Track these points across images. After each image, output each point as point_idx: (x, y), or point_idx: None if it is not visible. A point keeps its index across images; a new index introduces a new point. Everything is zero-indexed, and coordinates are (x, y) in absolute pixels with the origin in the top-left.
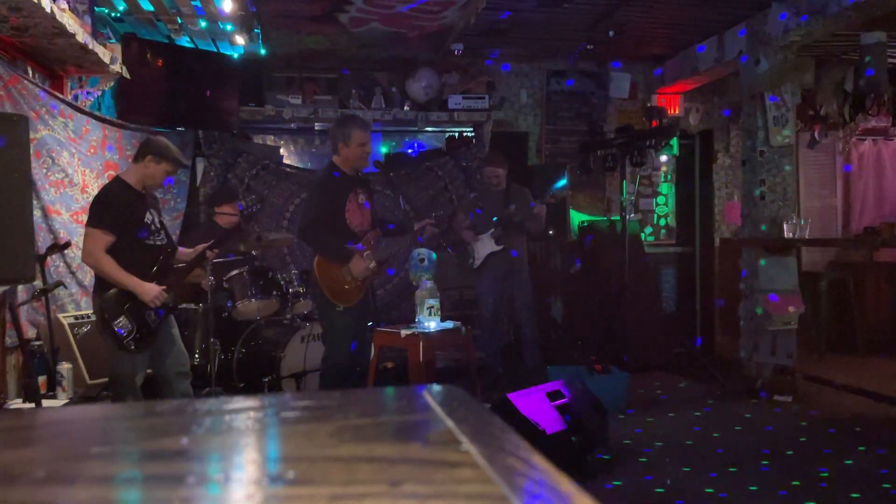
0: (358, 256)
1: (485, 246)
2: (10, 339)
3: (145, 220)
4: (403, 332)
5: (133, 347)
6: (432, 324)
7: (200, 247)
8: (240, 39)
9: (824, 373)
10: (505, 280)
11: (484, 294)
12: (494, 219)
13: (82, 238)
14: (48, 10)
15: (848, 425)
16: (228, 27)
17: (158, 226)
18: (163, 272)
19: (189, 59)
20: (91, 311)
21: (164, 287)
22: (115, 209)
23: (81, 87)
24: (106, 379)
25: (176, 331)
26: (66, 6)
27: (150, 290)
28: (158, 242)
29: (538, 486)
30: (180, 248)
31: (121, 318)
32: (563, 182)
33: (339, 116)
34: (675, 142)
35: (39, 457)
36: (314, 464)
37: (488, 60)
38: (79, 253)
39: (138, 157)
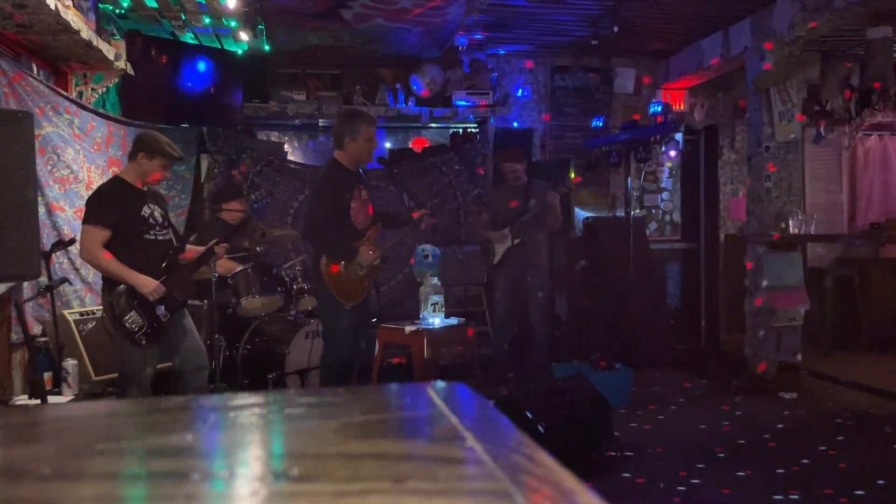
0: (363, 247)
1: (503, 241)
2: (16, 336)
3: (142, 213)
4: (408, 329)
5: (144, 342)
6: (437, 320)
7: (211, 243)
8: (244, 36)
9: (830, 369)
10: (521, 274)
11: (499, 289)
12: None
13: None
14: (52, 6)
15: (854, 422)
16: (232, 23)
17: (160, 220)
18: (171, 268)
19: (193, 55)
20: (96, 307)
21: (162, 279)
22: (107, 205)
23: (86, 83)
24: (112, 375)
25: (190, 324)
26: (70, 3)
27: (148, 283)
28: (161, 237)
29: (542, 482)
30: (189, 247)
31: (131, 313)
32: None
33: (344, 111)
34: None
35: (45, 453)
36: (318, 460)
37: (492, 56)
38: None
39: (132, 155)
